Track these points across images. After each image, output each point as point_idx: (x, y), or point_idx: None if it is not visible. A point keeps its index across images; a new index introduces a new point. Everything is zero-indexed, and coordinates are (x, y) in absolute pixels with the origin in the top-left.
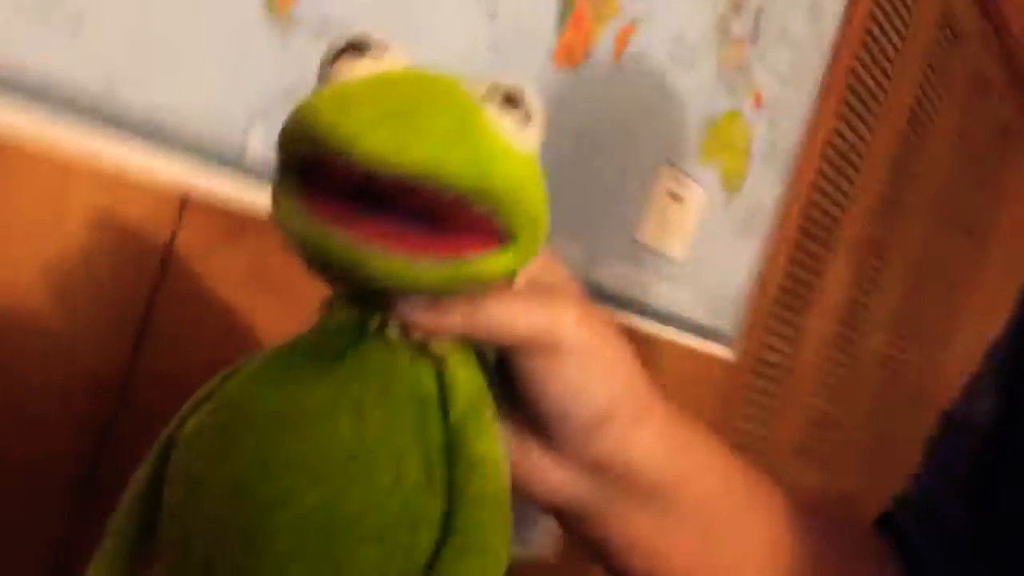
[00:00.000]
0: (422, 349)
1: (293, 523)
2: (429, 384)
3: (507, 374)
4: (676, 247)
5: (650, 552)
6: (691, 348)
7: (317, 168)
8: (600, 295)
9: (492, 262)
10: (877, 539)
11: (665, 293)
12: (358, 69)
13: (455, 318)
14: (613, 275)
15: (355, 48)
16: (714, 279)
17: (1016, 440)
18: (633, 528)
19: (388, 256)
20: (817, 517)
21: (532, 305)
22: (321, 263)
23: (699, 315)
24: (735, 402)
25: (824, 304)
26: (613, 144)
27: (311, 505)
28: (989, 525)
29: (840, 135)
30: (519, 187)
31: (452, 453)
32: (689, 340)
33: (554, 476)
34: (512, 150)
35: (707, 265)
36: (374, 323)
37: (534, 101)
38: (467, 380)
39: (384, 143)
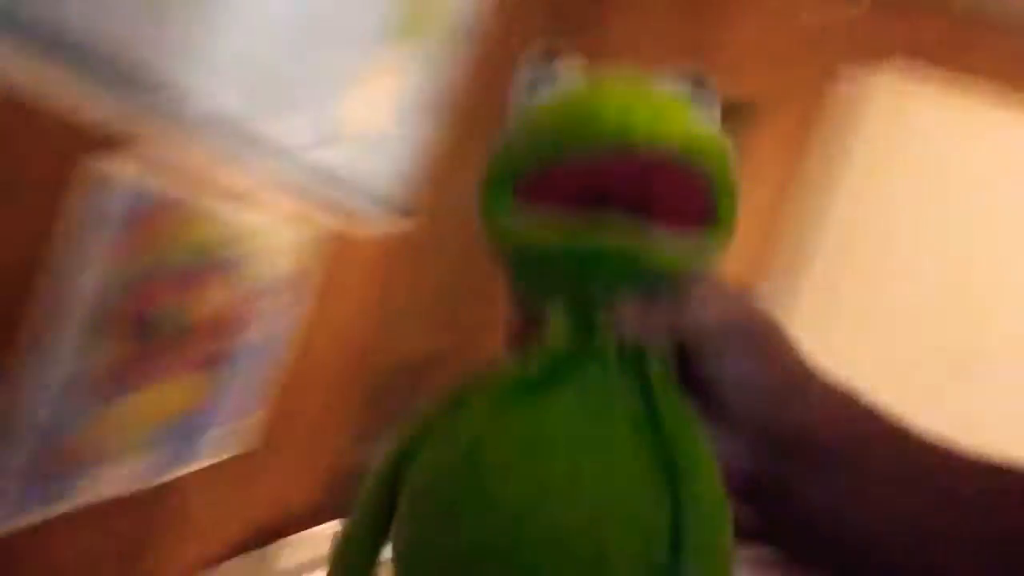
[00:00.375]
0: (638, 358)
1: (558, 548)
2: (640, 402)
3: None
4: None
5: (837, 516)
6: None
7: (534, 183)
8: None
9: (711, 241)
10: None
11: (352, 165)
12: (570, 76)
13: (666, 317)
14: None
15: (548, 55)
16: (392, 154)
17: None
18: (816, 495)
19: (653, 232)
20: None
21: (724, 301)
22: (580, 258)
23: (379, 187)
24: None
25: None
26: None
27: (571, 528)
28: None
29: None
30: (731, 162)
31: (670, 465)
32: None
33: (735, 454)
34: (718, 129)
35: (387, 142)
36: (597, 340)
37: (714, 84)
38: (673, 393)
39: (619, 132)
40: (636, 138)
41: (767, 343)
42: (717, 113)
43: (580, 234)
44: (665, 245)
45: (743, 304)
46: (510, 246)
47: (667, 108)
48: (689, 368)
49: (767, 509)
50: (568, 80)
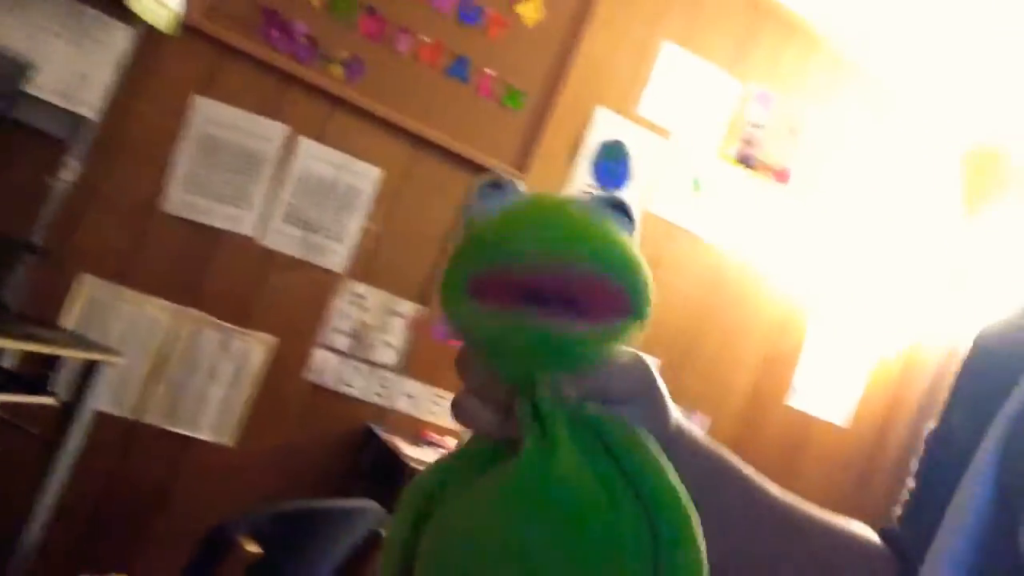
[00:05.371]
0: (594, 426)
1: None
2: (610, 466)
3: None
4: None
5: None
6: None
7: (482, 282)
8: None
9: (626, 327)
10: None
11: None
12: (502, 200)
13: (589, 386)
14: None
15: (494, 186)
16: None
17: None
18: None
19: (568, 330)
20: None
21: (624, 372)
22: (515, 347)
23: None
24: None
25: None
26: None
27: None
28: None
29: None
30: (636, 268)
31: (634, 483)
32: None
33: None
34: (627, 237)
35: None
36: (551, 404)
37: (632, 207)
38: (642, 451)
39: (545, 247)
40: (553, 252)
41: (652, 399)
42: (634, 228)
43: (508, 326)
44: (581, 335)
45: (638, 375)
46: (463, 334)
47: (581, 226)
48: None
49: None
50: (510, 200)
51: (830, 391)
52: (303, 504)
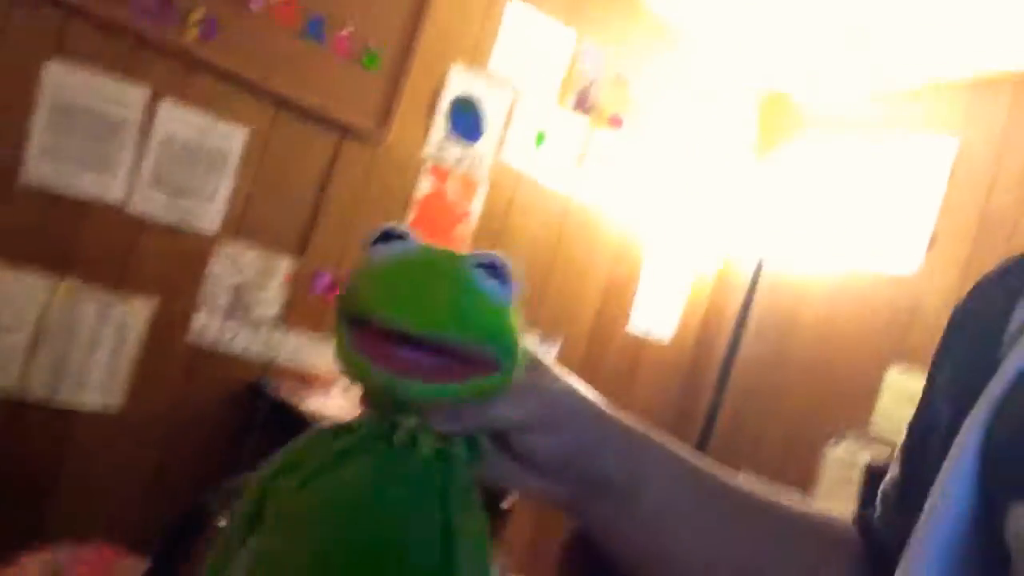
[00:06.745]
0: (441, 447)
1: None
2: (438, 478)
3: (503, 438)
4: None
5: (615, 534)
6: None
7: (360, 325)
8: None
9: (491, 382)
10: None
11: None
12: (388, 251)
13: (469, 420)
14: None
15: (388, 236)
16: None
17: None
18: (602, 518)
19: (412, 383)
20: (776, 512)
21: (514, 406)
22: (366, 387)
23: None
24: None
25: None
26: None
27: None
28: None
29: None
30: (500, 333)
31: (449, 527)
32: None
33: (546, 489)
34: (494, 306)
35: None
36: (403, 430)
37: (508, 266)
38: (463, 474)
39: (400, 311)
40: (410, 320)
41: (557, 421)
42: (508, 289)
43: (364, 375)
44: (433, 393)
45: (534, 399)
46: (341, 370)
47: (438, 294)
48: (509, 444)
49: (570, 517)
50: (403, 250)
51: (659, 313)
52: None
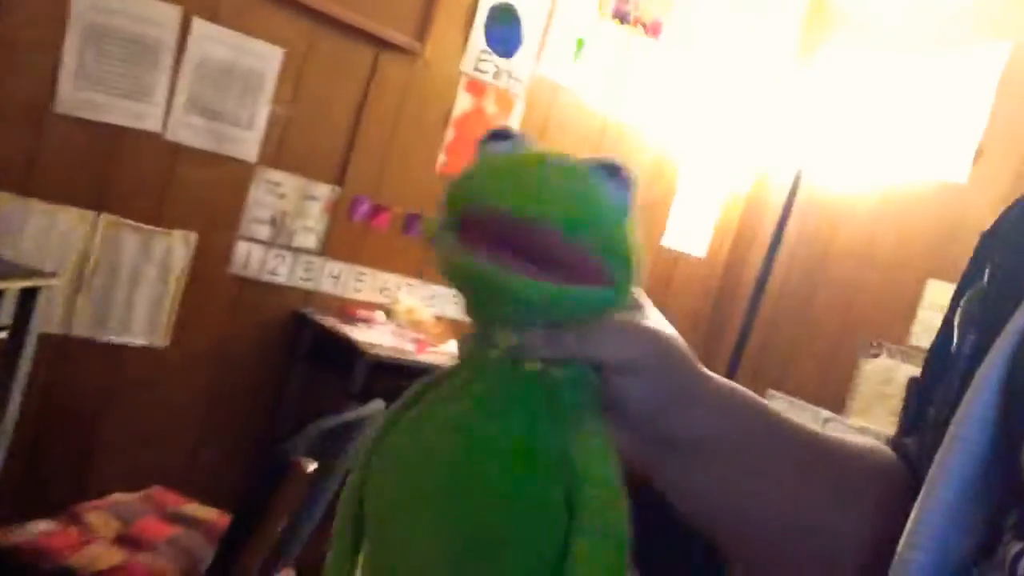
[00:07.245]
0: (541, 370)
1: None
2: (542, 399)
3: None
4: None
5: (689, 494)
6: None
7: (470, 223)
8: None
9: (595, 295)
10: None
11: None
12: (501, 150)
13: (569, 346)
14: None
15: (500, 136)
16: None
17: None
18: (677, 475)
19: (515, 276)
20: (840, 459)
21: (622, 343)
22: (468, 285)
23: None
24: None
25: None
26: None
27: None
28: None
29: None
30: (616, 239)
31: (568, 453)
32: None
33: (632, 445)
34: (611, 206)
35: None
36: (498, 353)
37: (628, 169)
38: (570, 395)
39: (511, 198)
40: (518, 207)
41: (659, 367)
42: (626, 196)
43: (468, 267)
44: (531, 287)
45: (639, 337)
46: (438, 263)
47: (552, 184)
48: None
49: (652, 480)
50: (510, 150)
51: (693, 228)
52: (338, 419)
